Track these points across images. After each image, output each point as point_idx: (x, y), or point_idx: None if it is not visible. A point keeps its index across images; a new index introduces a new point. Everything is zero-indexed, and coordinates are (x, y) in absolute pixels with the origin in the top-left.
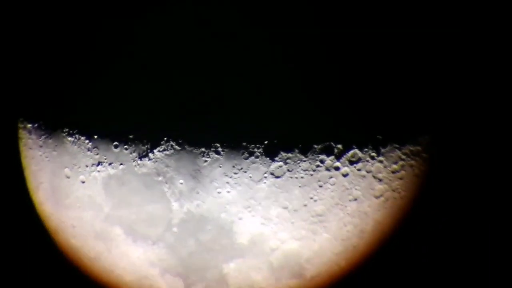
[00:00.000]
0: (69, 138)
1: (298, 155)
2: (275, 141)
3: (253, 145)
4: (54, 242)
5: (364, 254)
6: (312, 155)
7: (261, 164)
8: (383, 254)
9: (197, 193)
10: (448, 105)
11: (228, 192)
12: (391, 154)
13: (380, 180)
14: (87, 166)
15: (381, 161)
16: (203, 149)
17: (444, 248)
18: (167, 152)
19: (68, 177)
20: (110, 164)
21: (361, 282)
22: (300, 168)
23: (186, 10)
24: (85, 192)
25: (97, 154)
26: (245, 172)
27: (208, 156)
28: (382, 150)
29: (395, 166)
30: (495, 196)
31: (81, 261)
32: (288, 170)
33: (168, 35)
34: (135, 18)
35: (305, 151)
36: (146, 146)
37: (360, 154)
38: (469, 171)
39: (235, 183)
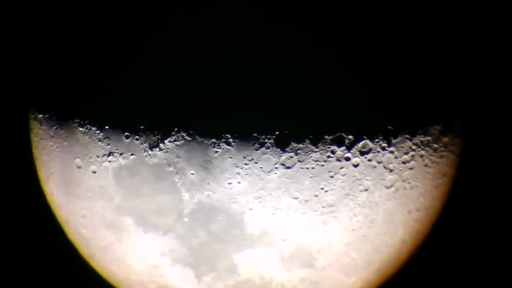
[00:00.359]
0: (80, 129)
1: (309, 145)
2: (286, 131)
3: (263, 136)
4: (64, 232)
5: (374, 244)
6: (323, 146)
7: (272, 155)
8: (393, 244)
9: (208, 183)
10: (459, 95)
11: (239, 182)
12: (401, 144)
13: (390, 170)
14: (98, 157)
15: (391, 152)
16: (213, 140)
17: (454, 240)
18: (178, 143)
19: (79, 167)
20: (121, 154)
21: (372, 272)
22: (311, 158)
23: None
24: (96, 182)
25: (108, 144)
26: (256, 163)
27: (219, 146)
28: (393, 141)
29: (405, 157)
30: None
31: (92, 251)
32: (299, 161)
33: (180, 25)
34: (148, 14)
35: (316, 141)
36: (157, 136)
37: (370, 144)
38: (481, 161)
39: (246, 174)
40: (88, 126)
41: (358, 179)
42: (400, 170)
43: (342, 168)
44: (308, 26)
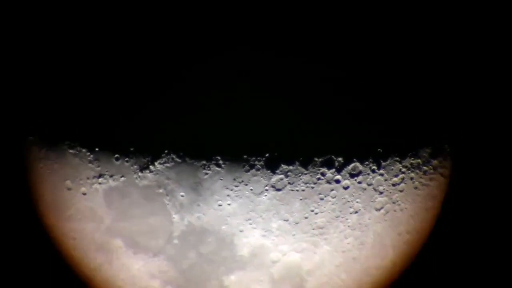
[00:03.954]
0: (71, 151)
1: (299, 167)
2: (276, 154)
3: (254, 158)
4: (56, 253)
5: (365, 266)
6: (313, 168)
7: (262, 176)
8: (383, 266)
9: (198, 205)
10: (448, 118)
11: (229, 204)
12: (391, 167)
13: (380, 192)
14: (88, 178)
15: (381, 174)
16: (204, 162)
17: (446, 260)
18: (168, 165)
19: (70, 189)
20: (111, 176)
21: None
22: (301, 180)
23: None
24: (86, 204)
25: (98, 166)
26: (246, 184)
27: (209, 168)
28: (383, 163)
29: (395, 179)
30: (497, 205)
31: (82, 273)
32: (289, 183)
33: (169, 42)
34: (136, 30)
35: (306, 164)
36: (147, 158)
37: (360, 167)
38: (469, 183)
39: (236, 196)
40: (78, 148)
41: (348, 201)
42: (390, 192)
43: (332, 190)
44: (299, 51)
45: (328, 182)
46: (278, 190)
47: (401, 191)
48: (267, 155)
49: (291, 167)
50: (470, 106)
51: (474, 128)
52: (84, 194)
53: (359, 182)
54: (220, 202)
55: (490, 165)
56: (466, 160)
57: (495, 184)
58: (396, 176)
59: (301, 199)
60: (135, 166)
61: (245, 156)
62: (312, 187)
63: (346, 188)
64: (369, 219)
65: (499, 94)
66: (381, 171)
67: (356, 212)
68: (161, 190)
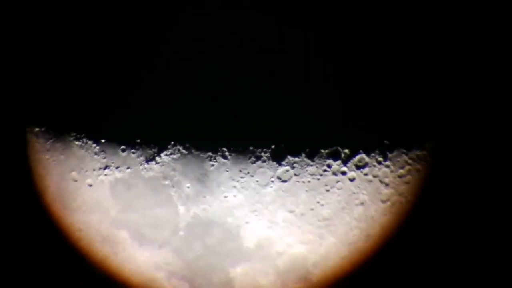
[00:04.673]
0: (77, 142)
1: (305, 159)
2: (282, 145)
3: (260, 150)
4: (63, 244)
5: (370, 259)
6: (319, 160)
7: (268, 168)
8: (389, 258)
9: (204, 197)
10: (454, 110)
11: (235, 196)
12: (397, 159)
13: (386, 184)
14: (94, 170)
15: (387, 166)
16: (210, 153)
17: (448, 252)
18: (174, 156)
19: (75, 181)
20: (117, 167)
21: (367, 286)
22: (307, 172)
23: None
24: (92, 196)
25: (104, 158)
26: (252, 176)
27: (215, 160)
28: (389, 155)
29: (401, 171)
30: (499, 200)
31: (89, 264)
32: (295, 175)
33: (177, 38)
34: (140, 24)
35: (312, 155)
36: (153, 150)
37: (367, 159)
38: (474, 176)
39: (242, 187)
40: (84, 139)
41: (354, 193)
42: (396, 184)
43: (338, 182)
44: (306, 39)
45: (334, 173)
46: (284, 181)
47: (407, 183)
48: (273, 146)
49: (297, 159)
50: (474, 100)
51: (479, 122)
52: (90, 185)
53: (365, 174)
54: (226, 194)
55: (494, 159)
56: (469, 153)
57: (497, 179)
58: (402, 168)
59: (307, 191)
60: (141, 158)
61: (251, 148)
62: (318, 179)
63: (352, 180)
64: (375, 211)
65: (503, 88)
66: (387, 163)
67: (362, 204)
68: (167, 182)
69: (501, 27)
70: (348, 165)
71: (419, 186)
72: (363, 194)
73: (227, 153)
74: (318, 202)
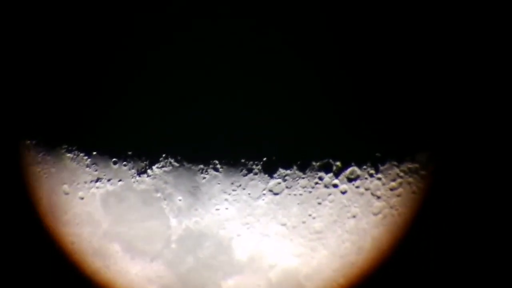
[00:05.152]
0: (68, 155)
1: (296, 172)
2: (274, 158)
3: (251, 162)
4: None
5: (362, 271)
6: (311, 172)
7: (259, 181)
8: (381, 271)
9: (196, 209)
10: (446, 122)
11: (227, 209)
12: (389, 171)
13: (378, 197)
14: (85, 183)
15: (379, 179)
16: (201, 166)
17: (441, 263)
18: (165, 169)
19: (67, 194)
20: (108, 180)
21: None
22: (298, 185)
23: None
24: (83, 209)
25: (96, 170)
26: (244, 189)
27: (206, 173)
28: (381, 168)
29: (393, 184)
30: (494, 212)
31: (81, 277)
32: (287, 187)
33: (169, 48)
34: (135, 36)
35: (303, 168)
36: (144, 162)
37: (358, 171)
38: (467, 188)
39: (234, 200)
40: (76, 152)
41: (346, 206)
42: (388, 197)
43: (330, 194)
44: (294, 52)
45: (326, 186)
46: (276, 194)
47: (398, 195)
48: (264, 159)
49: (288, 171)
50: (468, 111)
51: (472, 132)
52: (82, 198)
53: (357, 187)
54: (217, 207)
55: (488, 168)
56: (463, 164)
57: (493, 187)
58: (394, 180)
59: (298, 204)
60: (133, 170)
61: (242, 160)
62: (310, 192)
63: (343, 192)
64: (366, 223)
65: (498, 98)
66: (379, 175)
67: (354, 216)
68: (158, 195)
69: (497, 35)
70: (339, 177)
71: (411, 199)
72: (355, 206)
73: (218, 166)
74: (310, 215)
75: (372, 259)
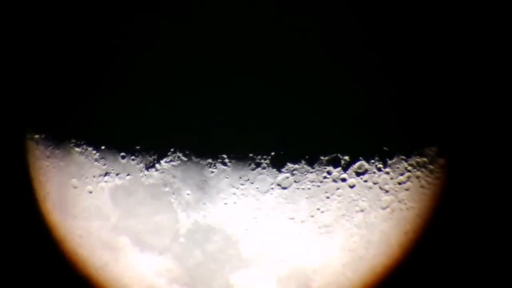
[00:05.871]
0: (77, 149)
1: (305, 166)
2: (282, 152)
3: (259, 156)
4: (61, 252)
5: (371, 265)
6: (319, 167)
7: (268, 175)
8: (390, 266)
9: (204, 204)
10: (454, 116)
11: (235, 203)
12: (397, 165)
13: (386, 191)
14: (94, 177)
15: (387, 173)
16: (209, 160)
17: (450, 259)
18: (174, 163)
19: (75, 187)
20: (117, 174)
21: None
22: (307, 179)
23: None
24: (92, 202)
25: (105, 164)
26: (252, 183)
27: (215, 167)
28: (389, 162)
29: (401, 178)
30: (501, 204)
31: (88, 271)
32: (295, 181)
33: (176, 45)
34: (143, 33)
35: (312, 162)
36: (153, 157)
37: (366, 165)
38: (476, 181)
39: (242, 194)
40: (84, 146)
41: (354, 200)
42: (396, 191)
43: (338, 189)
44: (302, 47)
45: (334, 180)
46: (284, 188)
47: (407, 189)
48: (273, 153)
49: (297, 166)
50: (476, 105)
51: (480, 126)
52: (90, 192)
53: (365, 181)
54: (226, 201)
55: (494, 164)
56: (470, 159)
57: (498, 183)
58: (402, 174)
59: (307, 198)
60: (141, 165)
61: (251, 155)
62: (318, 186)
63: (352, 186)
64: (375, 217)
65: (507, 92)
66: (387, 170)
67: (362, 210)
68: (167, 189)
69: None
70: (348, 172)
71: (419, 193)
72: (363, 201)
73: (227, 160)
74: (318, 209)
75: (380, 253)
